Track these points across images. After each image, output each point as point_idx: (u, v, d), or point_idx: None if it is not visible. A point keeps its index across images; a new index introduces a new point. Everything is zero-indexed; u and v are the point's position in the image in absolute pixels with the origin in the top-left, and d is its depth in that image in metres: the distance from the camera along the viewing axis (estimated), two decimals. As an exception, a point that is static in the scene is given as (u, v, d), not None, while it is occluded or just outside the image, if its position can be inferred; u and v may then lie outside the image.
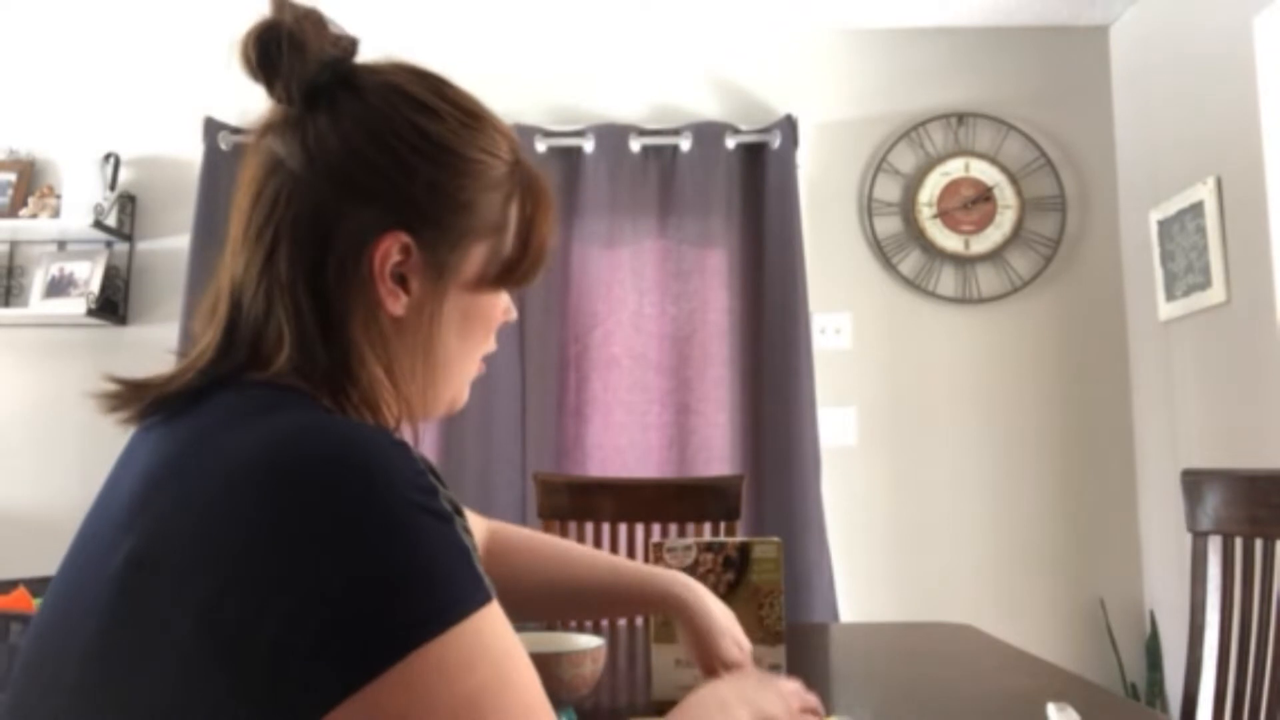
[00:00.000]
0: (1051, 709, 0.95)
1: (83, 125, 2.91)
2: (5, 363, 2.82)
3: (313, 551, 0.46)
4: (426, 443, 2.43)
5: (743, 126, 2.84)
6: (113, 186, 2.81)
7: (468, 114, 0.65)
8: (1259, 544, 1.30)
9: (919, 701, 1.08)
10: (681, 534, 1.86)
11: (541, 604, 1.05)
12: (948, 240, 2.84)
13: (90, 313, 2.69)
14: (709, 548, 1.12)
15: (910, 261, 2.86)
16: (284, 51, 0.60)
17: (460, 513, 0.54)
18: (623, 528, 1.86)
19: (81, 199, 2.73)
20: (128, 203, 2.85)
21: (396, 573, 0.47)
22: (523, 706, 0.49)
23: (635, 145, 2.82)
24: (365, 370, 0.60)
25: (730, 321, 2.77)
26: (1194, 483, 1.42)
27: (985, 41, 2.95)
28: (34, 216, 2.76)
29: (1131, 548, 2.77)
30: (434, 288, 0.64)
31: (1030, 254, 2.85)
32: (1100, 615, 2.72)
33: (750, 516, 2.67)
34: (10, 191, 2.81)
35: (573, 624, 1.61)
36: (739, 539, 1.13)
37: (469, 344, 0.68)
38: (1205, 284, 2.42)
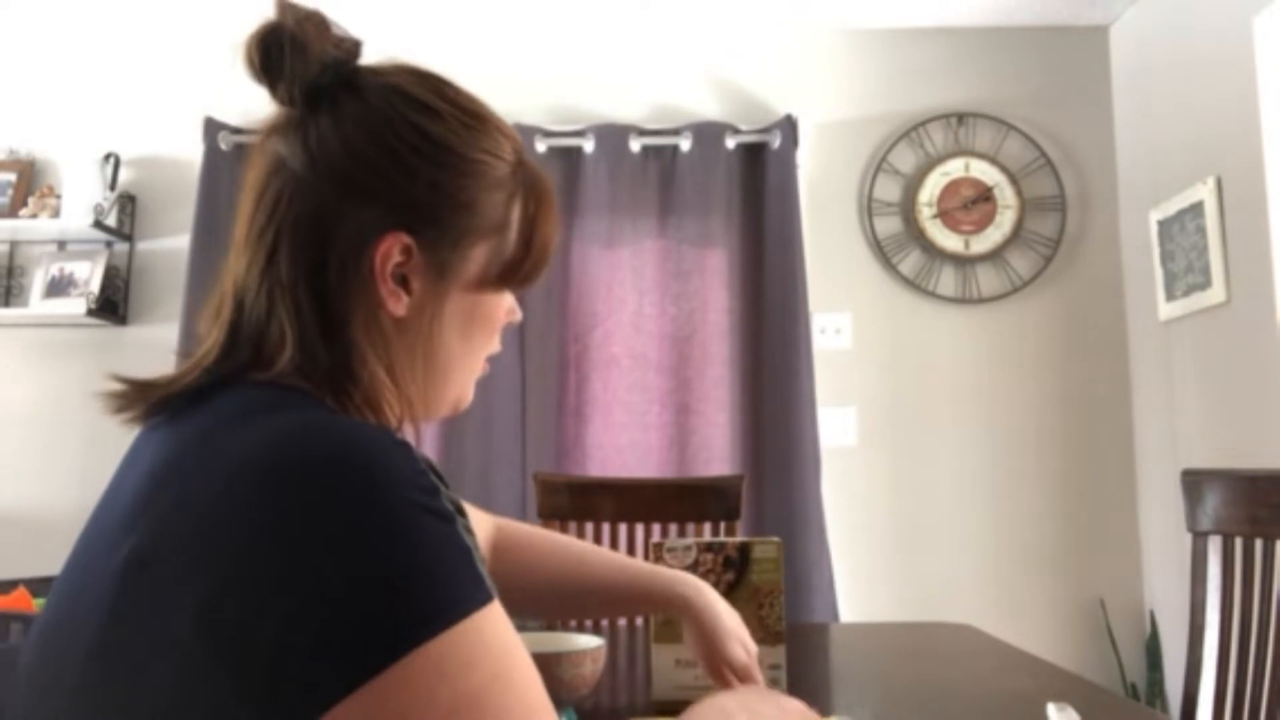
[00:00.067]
0: (1051, 709, 0.95)
1: (83, 125, 2.91)
2: (5, 363, 2.82)
3: (314, 551, 0.46)
4: (426, 442, 2.43)
5: (743, 126, 2.84)
6: (113, 186, 2.81)
7: (469, 114, 0.66)
8: (1259, 544, 1.31)
9: (919, 701, 1.08)
10: (681, 534, 1.86)
11: (547, 601, 1.05)
12: (948, 240, 2.84)
13: (90, 313, 2.69)
14: (709, 548, 1.12)
15: (910, 261, 2.86)
16: (286, 54, 0.60)
17: (462, 512, 0.54)
18: (623, 528, 1.86)
19: (81, 199, 2.73)
20: (128, 203, 2.85)
21: (397, 572, 0.47)
22: (524, 705, 0.49)
23: (635, 145, 2.82)
24: (367, 370, 0.60)
25: (730, 321, 2.77)
26: (1194, 483, 1.42)
27: (985, 41, 2.95)
28: (34, 216, 2.76)
29: (1131, 548, 2.77)
30: (435, 288, 0.64)
31: (1030, 254, 2.86)
32: (1100, 615, 2.72)
33: (750, 516, 2.67)
34: (10, 191, 2.82)
35: (573, 624, 1.61)
36: (739, 539, 1.13)
37: (472, 344, 0.68)
38: (1205, 284, 2.42)
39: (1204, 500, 1.39)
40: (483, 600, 0.50)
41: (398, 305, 0.62)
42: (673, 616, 1.06)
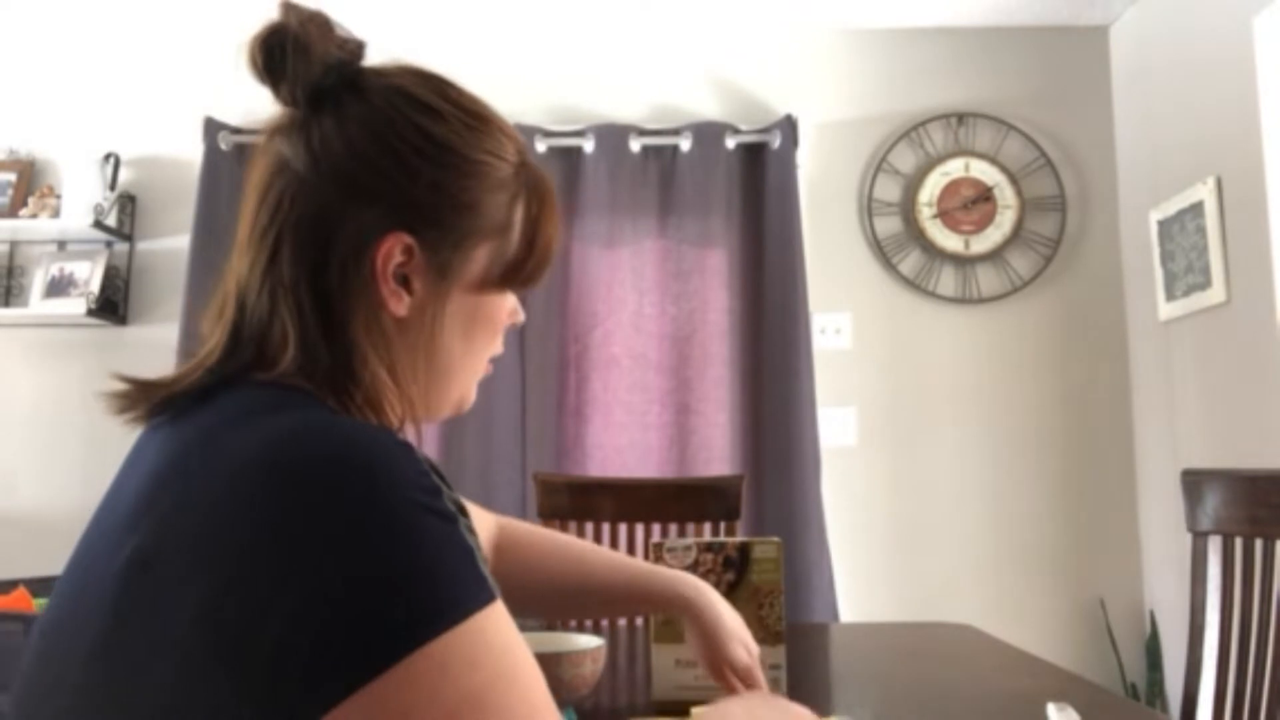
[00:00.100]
0: (1051, 709, 0.95)
1: (83, 125, 2.91)
2: (5, 363, 2.82)
3: (315, 551, 0.47)
4: (426, 442, 2.43)
5: (743, 126, 2.84)
6: (113, 186, 2.81)
7: (472, 115, 0.66)
8: (1259, 544, 1.31)
9: (919, 701, 1.08)
10: (681, 534, 1.86)
11: (549, 600, 1.05)
12: (948, 240, 2.84)
13: (90, 313, 2.69)
14: (709, 548, 1.12)
15: (910, 261, 2.86)
16: (289, 55, 0.61)
17: (465, 513, 0.54)
18: (623, 528, 1.86)
19: (81, 199, 2.73)
20: (128, 203, 2.85)
21: (399, 572, 0.47)
22: (527, 705, 0.49)
23: (635, 145, 2.82)
24: (368, 370, 0.60)
25: (730, 321, 2.77)
26: (1194, 483, 1.42)
27: (985, 41, 2.95)
28: (34, 216, 2.76)
29: (1131, 548, 2.77)
30: (437, 289, 0.64)
31: (1030, 254, 2.86)
32: (1100, 615, 2.72)
33: (750, 516, 2.67)
34: (10, 191, 2.81)
35: (573, 624, 1.61)
36: (739, 539, 1.13)
37: (473, 345, 0.68)
38: (1205, 284, 2.42)
39: (1204, 500, 1.39)
40: (485, 600, 0.50)
41: (399, 305, 0.62)
42: (673, 616, 1.06)
